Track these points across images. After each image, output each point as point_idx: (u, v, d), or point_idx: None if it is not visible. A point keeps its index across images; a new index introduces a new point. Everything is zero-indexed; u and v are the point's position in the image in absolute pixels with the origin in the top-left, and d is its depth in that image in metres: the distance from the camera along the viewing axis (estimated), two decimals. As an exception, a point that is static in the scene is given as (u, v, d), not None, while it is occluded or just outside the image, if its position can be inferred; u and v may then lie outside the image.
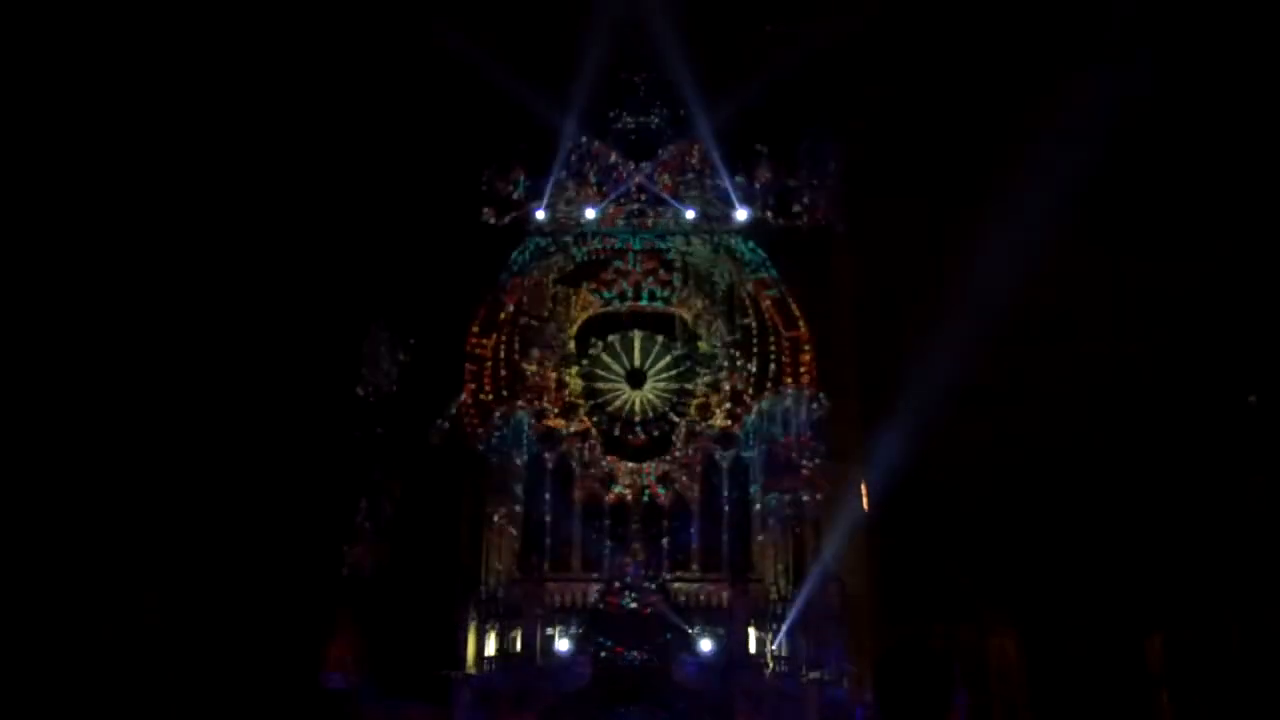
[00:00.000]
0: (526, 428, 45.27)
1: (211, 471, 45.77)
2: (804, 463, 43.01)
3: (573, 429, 45.44)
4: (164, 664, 44.13)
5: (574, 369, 46.08)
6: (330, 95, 48.56)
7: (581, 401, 45.78)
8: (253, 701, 42.82)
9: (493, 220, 46.04)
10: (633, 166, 46.68)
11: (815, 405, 43.96)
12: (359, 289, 46.52)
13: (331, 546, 42.18)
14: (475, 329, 45.76)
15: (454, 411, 44.60)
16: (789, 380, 44.54)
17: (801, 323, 45.44)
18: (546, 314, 46.01)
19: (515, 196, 46.27)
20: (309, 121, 48.53)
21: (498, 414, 44.71)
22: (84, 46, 46.72)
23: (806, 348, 45.01)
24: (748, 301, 46.11)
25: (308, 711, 40.90)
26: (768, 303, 46.02)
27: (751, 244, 46.36)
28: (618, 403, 46.70)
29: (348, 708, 40.98)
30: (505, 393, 45.07)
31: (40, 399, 45.16)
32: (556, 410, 45.32)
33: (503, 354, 45.41)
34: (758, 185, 46.13)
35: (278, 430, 46.03)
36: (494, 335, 45.68)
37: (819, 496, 42.99)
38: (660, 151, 46.85)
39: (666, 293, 46.72)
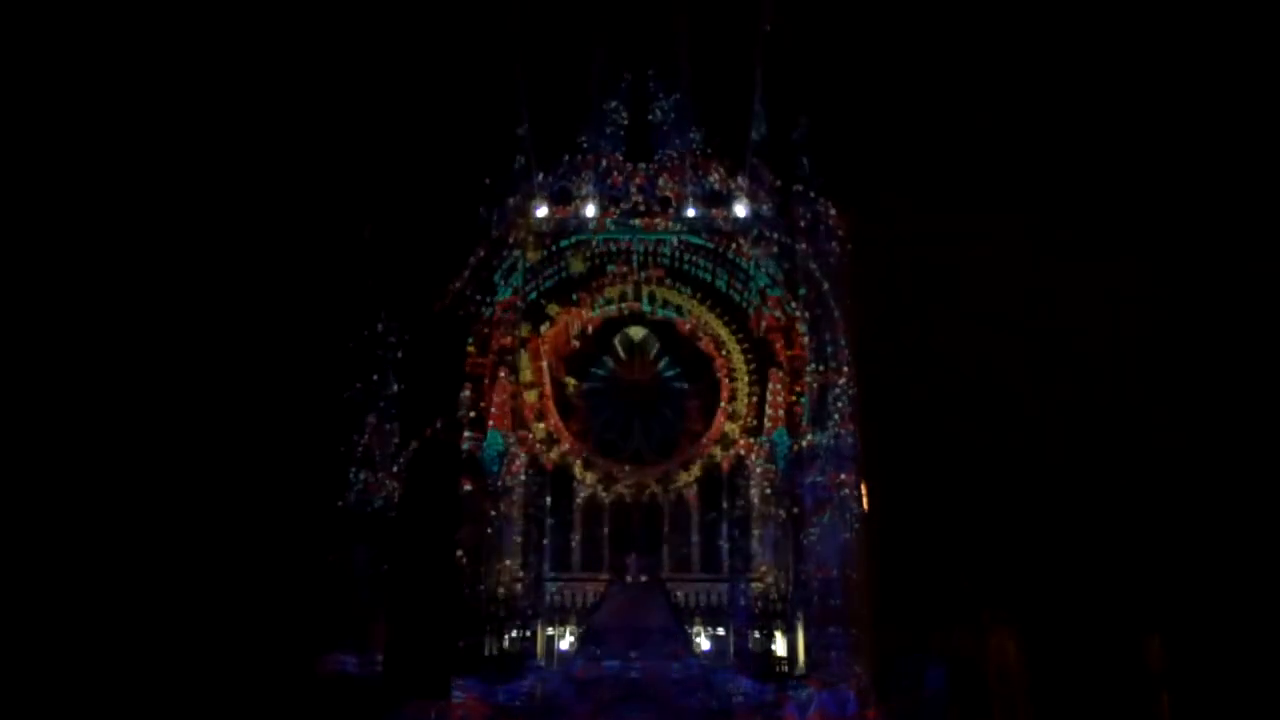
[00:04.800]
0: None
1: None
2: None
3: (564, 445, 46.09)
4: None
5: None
6: (333, 95, 48.77)
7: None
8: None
9: (491, 222, 46.46)
10: (630, 168, 46.89)
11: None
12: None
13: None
14: (471, 349, 46.17)
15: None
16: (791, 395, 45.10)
17: (801, 343, 45.97)
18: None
19: (511, 203, 46.62)
20: (315, 121, 48.76)
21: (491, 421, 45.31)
22: (93, 47, 47.01)
23: (808, 367, 45.49)
24: (751, 314, 46.67)
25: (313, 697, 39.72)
26: (772, 315, 46.53)
27: (754, 250, 46.60)
28: (617, 403, 47.06)
29: (364, 695, 39.81)
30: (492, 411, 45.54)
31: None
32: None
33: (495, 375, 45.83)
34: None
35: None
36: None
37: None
38: (660, 152, 47.16)
39: (673, 302, 47.13)
